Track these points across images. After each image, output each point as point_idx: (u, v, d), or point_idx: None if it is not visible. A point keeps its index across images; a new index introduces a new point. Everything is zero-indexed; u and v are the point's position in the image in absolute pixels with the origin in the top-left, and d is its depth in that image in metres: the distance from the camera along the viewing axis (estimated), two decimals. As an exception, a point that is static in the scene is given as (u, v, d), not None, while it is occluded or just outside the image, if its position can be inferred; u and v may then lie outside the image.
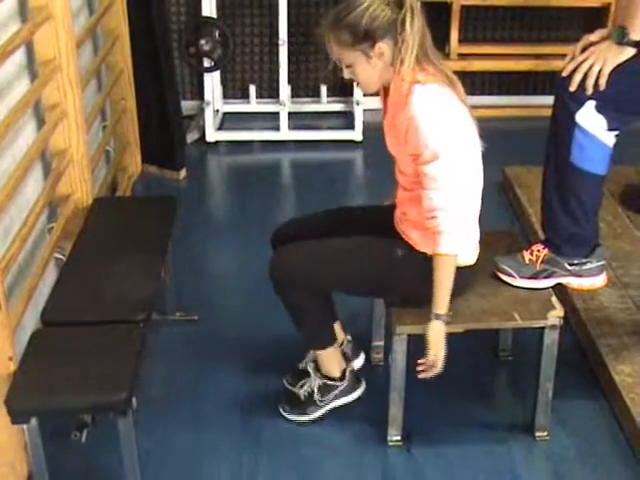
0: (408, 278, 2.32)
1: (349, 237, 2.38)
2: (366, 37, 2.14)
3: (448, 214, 2.15)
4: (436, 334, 2.22)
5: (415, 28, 2.14)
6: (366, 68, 2.20)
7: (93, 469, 2.37)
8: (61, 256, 2.75)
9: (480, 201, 2.32)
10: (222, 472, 2.38)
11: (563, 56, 2.49)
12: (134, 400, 2.05)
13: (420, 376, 2.25)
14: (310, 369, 2.55)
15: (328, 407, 2.54)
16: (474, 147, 2.24)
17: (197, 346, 2.90)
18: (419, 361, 2.24)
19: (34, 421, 2.04)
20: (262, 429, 2.53)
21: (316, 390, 2.53)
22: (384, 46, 2.15)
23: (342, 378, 2.53)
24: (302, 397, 2.55)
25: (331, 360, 2.52)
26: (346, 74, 2.26)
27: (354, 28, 2.14)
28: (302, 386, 2.56)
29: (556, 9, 4.94)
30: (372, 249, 2.34)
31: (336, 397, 2.53)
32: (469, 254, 2.32)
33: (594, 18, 4.80)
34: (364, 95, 4.53)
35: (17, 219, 2.53)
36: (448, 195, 2.15)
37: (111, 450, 2.21)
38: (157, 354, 2.76)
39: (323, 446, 2.48)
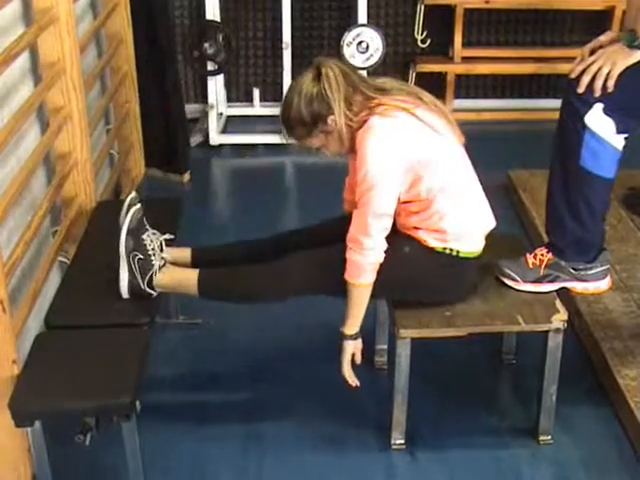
0: (416, 273, 2.34)
1: None
2: (315, 121, 2.28)
3: (362, 245, 2.23)
4: (349, 351, 2.34)
5: (341, 88, 2.24)
6: (332, 142, 2.33)
7: (97, 472, 2.37)
8: (65, 259, 2.75)
9: (479, 192, 2.36)
10: (226, 476, 2.38)
11: (567, 59, 2.50)
12: (138, 403, 2.05)
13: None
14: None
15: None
16: (443, 154, 2.28)
17: (201, 349, 2.90)
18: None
19: (38, 424, 2.04)
20: (266, 433, 2.52)
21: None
22: (333, 117, 2.26)
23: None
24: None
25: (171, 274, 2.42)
26: (326, 154, 2.40)
27: (301, 121, 2.28)
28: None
29: (560, 12, 4.93)
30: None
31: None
32: (468, 243, 2.33)
33: (598, 21, 4.79)
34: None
35: (21, 222, 2.53)
36: (367, 223, 2.22)
37: (115, 453, 2.21)
38: (161, 357, 2.76)
39: (327, 450, 2.47)
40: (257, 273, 2.41)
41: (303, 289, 2.39)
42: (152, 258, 2.37)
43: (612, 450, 2.47)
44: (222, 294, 2.47)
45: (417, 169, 2.23)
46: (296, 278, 2.36)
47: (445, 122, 2.30)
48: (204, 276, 2.40)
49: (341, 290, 2.30)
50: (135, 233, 2.35)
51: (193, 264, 2.52)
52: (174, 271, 2.42)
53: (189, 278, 2.40)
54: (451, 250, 2.31)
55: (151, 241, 2.39)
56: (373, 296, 2.38)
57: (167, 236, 2.48)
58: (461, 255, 2.32)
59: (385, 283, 2.33)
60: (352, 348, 2.34)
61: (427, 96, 2.32)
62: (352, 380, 2.36)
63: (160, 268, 2.38)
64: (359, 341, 2.35)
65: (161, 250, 2.43)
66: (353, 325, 2.32)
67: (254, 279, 2.42)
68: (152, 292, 2.38)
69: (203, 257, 2.56)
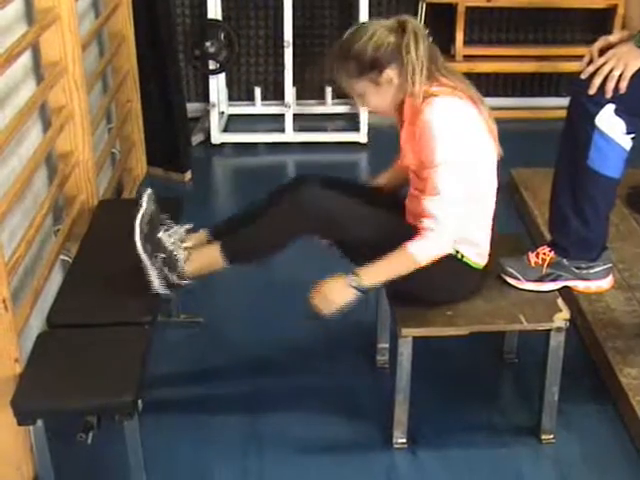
0: (421, 271, 2.28)
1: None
2: (373, 66, 2.18)
3: (437, 225, 2.17)
4: (336, 290, 2.22)
5: (420, 51, 2.17)
6: (376, 95, 2.24)
7: (99, 471, 2.38)
8: (67, 258, 2.75)
9: (493, 207, 2.35)
10: (227, 475, 2.38)
11: (569, 57, 2.49)
12: (140, 402, 2.05)
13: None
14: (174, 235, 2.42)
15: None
16: (487, 159, 2.26)
17: (202, 348, 2.90)
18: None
19: (40, 423, 2.04)
20: (267, 432, 2.52)
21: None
22: (391, 72, 2.19)
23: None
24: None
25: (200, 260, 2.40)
26: (358, 103, 2.31)
27: (360, 58, 2.18)
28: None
29: (562, 10, 4.92)
30: (386, 241, 2.26)
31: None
32: (472, 253, 2.33)
33: (600, 19, 4.79)
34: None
35: (23, 221, 2.53)
36: (444, 205, 2.16)
37: (117, 452, 2.21)
38: (162, 356, 2.76)
39: (328, 449, 2.47)
40: (275, 214, 2.35)
41: (320, 220, 2.29)
42: (175, 253, 2.35)
43: (614, 449, 2.46)
44: (250, 253, 2.40)
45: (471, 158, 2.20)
46: (316, 205, 2.29)
47: (490, 131, 2.28)
48: (226, 245, 2.36)
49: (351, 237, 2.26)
50: (149, 236, 2.32)
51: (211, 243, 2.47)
52: (199, 255, 2.38)
53: (213, 255, 2.36)
54: (460, 254, 2.30)
55: (169, 236, 2.37)
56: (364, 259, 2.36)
57: (187, 226, 2.48)
58: (465, 260, 2.32)
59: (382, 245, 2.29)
60: (348, 297, 2.21)
61: (483, 101, 2.29)
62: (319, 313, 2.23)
63: (186, 259, 2.36)
64: (355, 298, 2.23)
65: (182, 241, 2.41)
66: (371, 277, 2.21)
67: (274, 222, 2.34)
68: (185, 281, 2.37)
69: (218, 233, 2.51)
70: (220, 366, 2.81)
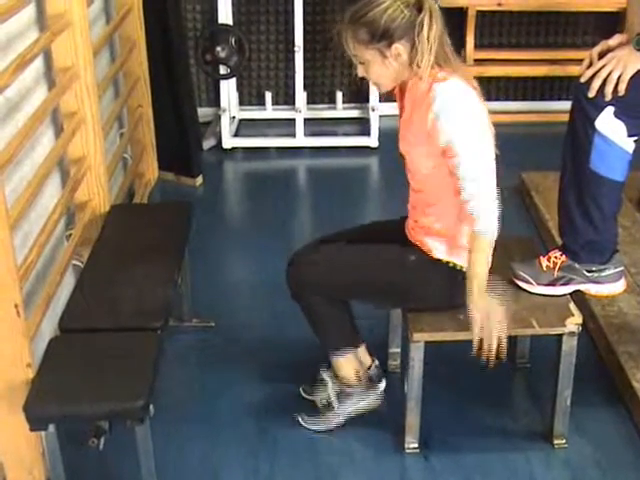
0: (422, 284, 2.33)
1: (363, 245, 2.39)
2: (384, 36, 2.15)
3: (481, 200, 2.15)
4: (481, 308, 2.17)
5: (433, 31, 2.15)
6: (380, 67, 2.21)
7: (110, 476, 2.38)
8: (79, 263, 2.76)
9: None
10: (238, 479, 2.38)
11: (579, 61, 2.48)
12: (151, 407, 2.05)
13: (482, 355, 2.19)
14: (326, 376, 2.54)
15: (346, 413, 2.53)
16: (491, 148, 2.24)
17: (213, 352, 2.91)
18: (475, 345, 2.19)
19: (52, 428, 2.04)
20: (279, 436, 2.52)
21: (333, 397, 2.52)
22: (401, 47, 2.16)
23: (358, 381, 2.53)
24: (320, 405, 2.55)
25: (347, 365, 2.51)
26: (360, 71, 2.26)
27: (372, 26, 2.15)
28: (320, 394, 2.56)
29: (572, 14, 4.92)
30: (385, 256, 2.34)
31: (353, 403, 2.52)
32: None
33: (610, 23, 4.77)
34: (380, 101, 4.53)
35: (35, 226, 2.54)
36: (480, 184, 2.15)
37: (128, 457, 2.21)
38: (174, 361, 2.76)
39: (340, 454, 2.47)
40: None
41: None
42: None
43: (627, 453, 2.45)
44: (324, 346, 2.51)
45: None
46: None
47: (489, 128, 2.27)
48: None
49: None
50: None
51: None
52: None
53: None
54: (455, 265, 2.31)
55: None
56: (375, 301, 2.39)
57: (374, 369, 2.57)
58: (464, 270, 2.28)
59: (387, 289, 2.35)
60: (488, 305, 2.16)
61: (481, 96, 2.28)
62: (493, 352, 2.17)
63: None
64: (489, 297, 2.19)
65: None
66: (481, 282, 2.17)
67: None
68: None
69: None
70: (231, 370, 2.81)
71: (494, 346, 2.17)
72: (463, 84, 2.18)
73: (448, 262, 2.31)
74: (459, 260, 2.30)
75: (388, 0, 2.15)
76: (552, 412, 2.45)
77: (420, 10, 2.14)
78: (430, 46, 2.14)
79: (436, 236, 2.30)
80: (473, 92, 2.20)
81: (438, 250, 2.30)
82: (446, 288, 2.32)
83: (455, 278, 2.30)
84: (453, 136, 2.14)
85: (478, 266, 2.19)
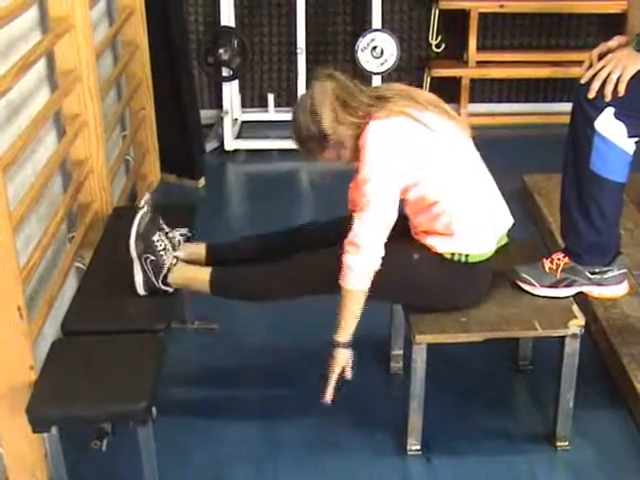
0: (426, 280, 2.34)
1: None
2: (324, 134, 2.27)
3: (358, 249, 2.20)
4: (340, 361, 2.26)
5: (328, 103, 2.25)
6: (348, 151, 2.32)
7: (113, 478, 2.38)
8: (81, 265, 2.76)
9: (491, 188, 2.37)
10: (241, 481, 2.39)
11: (581, 63, 2.49)
12: (154, 409, 2.05)
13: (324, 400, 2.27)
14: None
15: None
16: (445, 153, 2.28)
17: (216, 355, 2.91)
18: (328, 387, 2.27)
19: (55, 430, 2.05)
20: (281, 438, 2.52)
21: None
22: (330, 130, 2.26)
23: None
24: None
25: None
26: (345, 164, 2.37)
27: (310, 135, 2.28)
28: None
29: (574, 16, 4.92)
30: (388, 255, 2.34)
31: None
32: (478, 245, 2.33)
33: (612, 24, 4.76)
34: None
35: (38, 228, 2.54)
36: (366, 223, 2.21)
37: (131, 459, 2.21)
38: (176, 363, 2.76)
39: (342, 455, 2.47)
40: (269, 274, 2.42)
41: (316, 290, 2.38)
42: (163, 258, 2.39)
43: (630, 455, 2.45)
44: (233, 294, 2.49)
45: (416, 169, 2.24)
46: (309, 278, 2.37)
47: (446, 119, 2.31)
48: (216, 276, 2.42)
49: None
50: (145, 236, 2.37)
51: (207, 260, 2.55)
52: (187, 270, 2.45)
53: (202, 277, 2.43)
54: (460, 255, 2.30)
55: (162, 241, 2.41)
56: (382, 300, 2.38)
57: (183, 231, 2.53)
58: (470, 260, 2.31)
59: (393, 289, 2.35)
60: (344, 358, 2.26)
61: (422, 96, 2.33)
62: (329, 394, 2.26)
63: (172, 266, 2.40)
64: (350, 351, 2.27)
65: (174, 249, 2.46)
66: (345, 332, 2.26)
67: (266, 280, 2.43)
68: (168, 289, 2.41)
69: (217, 253, 2.58)
70: (234, 373, 2.81)
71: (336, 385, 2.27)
72: (390, 122, 2.23)
73: (453, 254, 2.30)
74: (465, 249, 2.30)
75: (299, 106, 2.31)
76: (554, 414, 2.45)
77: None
78: (340, 112, 2.24)
79: (434, 234, 2.32)
80: (407, 125, 2.23)
81: (439, 245, 2.31)
82: (452, 284, 2.33)
83: (462, 272, 2.31)
84: (362, 168, 2.22)
85: (343, 317, 2.26)
